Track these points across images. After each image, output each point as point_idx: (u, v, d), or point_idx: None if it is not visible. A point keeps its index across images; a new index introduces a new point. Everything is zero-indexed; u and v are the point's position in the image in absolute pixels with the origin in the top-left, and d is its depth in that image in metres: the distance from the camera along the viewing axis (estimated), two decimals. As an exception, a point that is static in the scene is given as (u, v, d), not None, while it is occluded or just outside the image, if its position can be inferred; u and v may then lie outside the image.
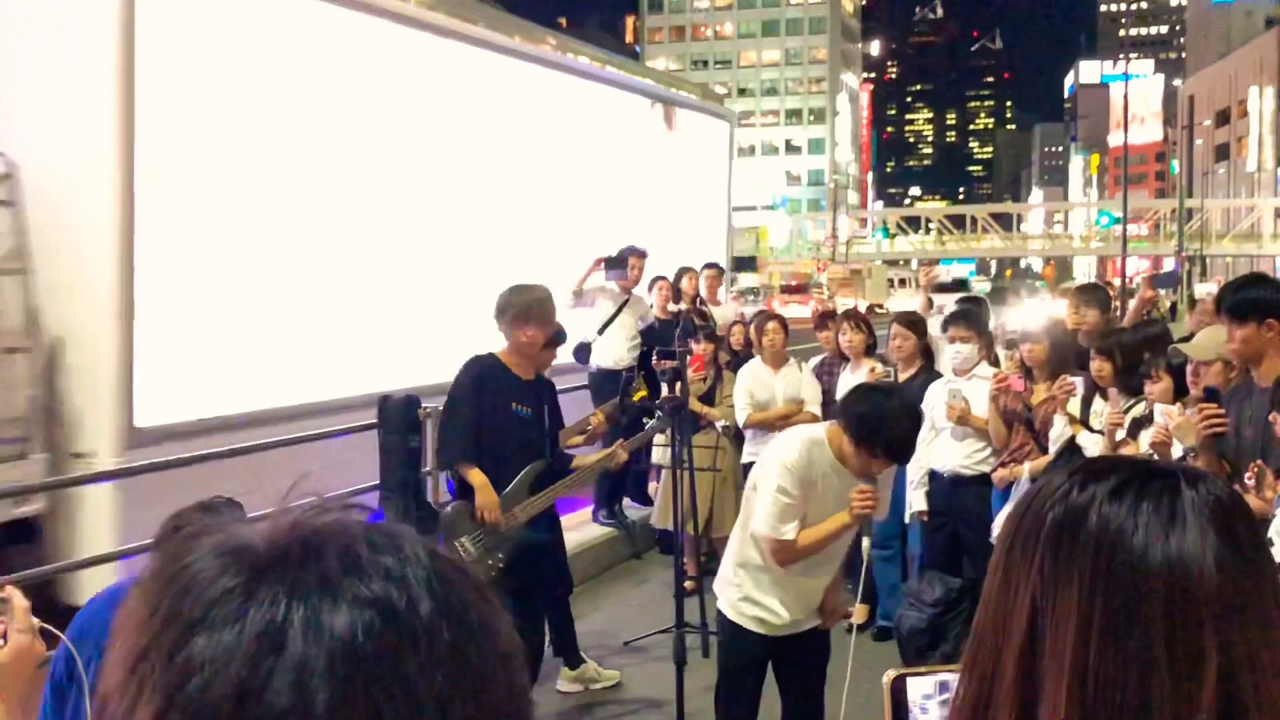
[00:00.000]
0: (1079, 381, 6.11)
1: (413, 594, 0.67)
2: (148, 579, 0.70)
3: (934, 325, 8.00)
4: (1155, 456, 4.88)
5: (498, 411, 5.44)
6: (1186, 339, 5.78)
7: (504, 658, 0.71)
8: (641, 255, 9.54)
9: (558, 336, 6.86)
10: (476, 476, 5.38)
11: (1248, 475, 4.04)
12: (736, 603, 4.56)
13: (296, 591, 0.65)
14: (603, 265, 9.38)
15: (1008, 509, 6.24)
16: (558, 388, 6.08)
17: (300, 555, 0.67)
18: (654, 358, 8.59)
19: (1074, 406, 6.10)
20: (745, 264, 60.81)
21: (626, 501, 9.65)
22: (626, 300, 9.37)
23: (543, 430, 5.58)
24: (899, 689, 1.53)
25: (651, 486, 9.45)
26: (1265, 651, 1.05)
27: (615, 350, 9.29)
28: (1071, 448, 6.04)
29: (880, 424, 4.16)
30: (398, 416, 7.18)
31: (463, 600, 0.70)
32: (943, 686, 1.50)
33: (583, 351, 9.44)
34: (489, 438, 5.43)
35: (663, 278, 10.13)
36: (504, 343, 5.69)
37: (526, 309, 5.56)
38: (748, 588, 4.53)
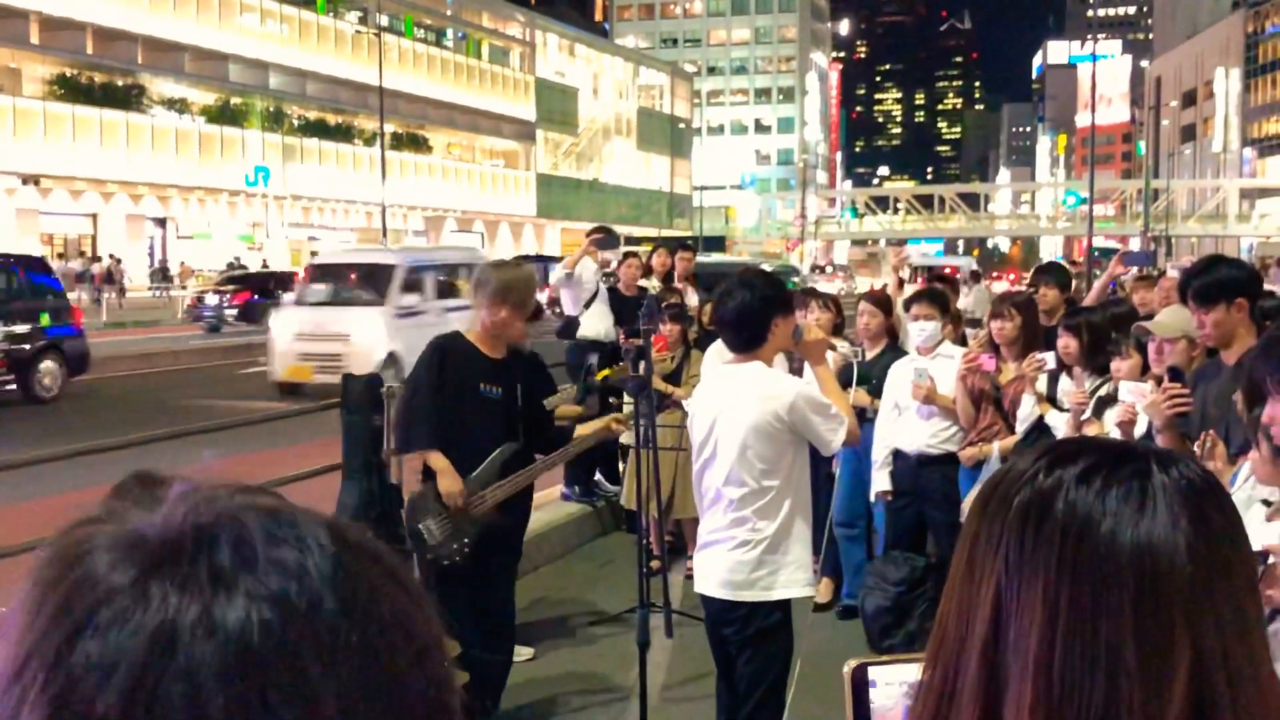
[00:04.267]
0: (1049, 357, 6.11)
1: (312, 589, 0.64)
2: (34, 577, 0.65)
3: (900, 304, 8.00)
4: (1120, 435, 4.88)
5: (464, 393, 5.28)
6: (1149, 316, 5.78)
7: (419, 650, 0.67)
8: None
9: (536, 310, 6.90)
10: (438, 461, 5.25)
11: (1197, 444, 4.04)
12: (797, 575, 4.43)
13: (188, 589, 0.62)
14: (593, 247, 9.69)
15: (976, 489, 6.24)
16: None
17: (193, 549, 0.63)
18: (621, 336, 8.69)
19: (1041, 385, 6.10)
20: (714, 244, 60.83)
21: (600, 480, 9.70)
22: (604, 275, 9.72)
23: (515, 410, 5.39)
24: (860, 678, 1.49)
25: (621, 466, 9.46)
26: (1239, 646, 1.00)
27: (602, 324, 9.63)
28: (1040, 426, 6.04)
29: (778, 282, 4.71)
30: (360, 396, 7.10)
31: (371, 591, 0.66)
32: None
33: (571, 326, 9.67)
34: (456, 421, 5.28)
35: (633, 253, 10.34)
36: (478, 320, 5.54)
37: (505, 288, 5.35)
38: (797, 552, 4.43)
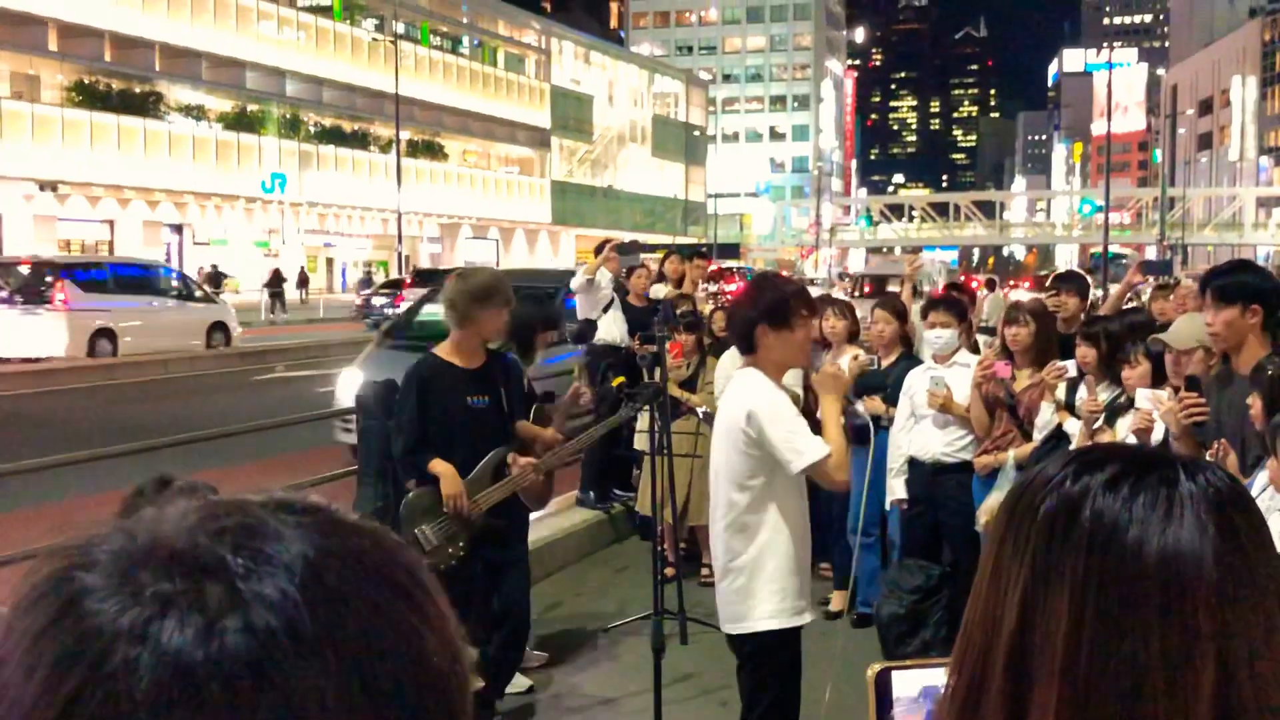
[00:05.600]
0: (1070, 365, 6.10)
1: (298, 622, 0.62)
2: (20, 627, 0.62)
3: (915, 312, 8.00)
4: (1136, 443, 4.88)
5: (449, 410, 5.34)
6: (1164, 327, 5.77)
7: (426, 666, 0.65)
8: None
9: (552, 317, 6.99)
10: (439, 466, 5.31)
11: (1210, 453, 4.04)
12: (784, 605, 4.24)
13: (184, 635, 0.60)
14: (614, 253, 9.76)
15: (991, 496, 6.23)
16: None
17: (184, 588, 0.61)
18: (635, 342, 8.72)
19: (1060, 393, 6.09)
20: (729, 251, 60.84)
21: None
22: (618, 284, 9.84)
23: (502, 414, 5.45)
24: (884, 682, 1.50)
25: (635, 473, 9.48)
26: (1266, 654, 1.00)
27: (619, 328, 9.70)
28: (1058, 434, 6.03)
29: (776, 294, 4.25)
30: (376, 402, 7.11)
31: (366, 615, 0.64)
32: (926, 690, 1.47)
33: (587, 332, 9.76)
34: (448, 438, 5.34)
35: (643, 264, 10.45)
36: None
37: (489, 291, 5.38)
38: (779, 581, 4.23)
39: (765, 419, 4.14)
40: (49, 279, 22.30)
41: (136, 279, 24.43)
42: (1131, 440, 4.97)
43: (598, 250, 10.13)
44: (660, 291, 10.36)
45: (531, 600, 6.52)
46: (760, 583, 4.23)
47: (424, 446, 5.35)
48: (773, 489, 4.20)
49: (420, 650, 0.65)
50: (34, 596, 0.63)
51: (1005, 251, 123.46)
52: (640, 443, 8.06)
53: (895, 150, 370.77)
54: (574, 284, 10.01)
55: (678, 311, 8.95)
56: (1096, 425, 5.47)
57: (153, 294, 24.20)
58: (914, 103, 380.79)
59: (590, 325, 9.80)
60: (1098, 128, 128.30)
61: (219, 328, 25.20)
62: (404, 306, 24.63)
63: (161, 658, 0.59)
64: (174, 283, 25.64)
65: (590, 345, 9.76)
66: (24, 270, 23.20)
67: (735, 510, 4.24)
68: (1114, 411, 5.48)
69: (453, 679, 0.67)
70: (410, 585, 0.67)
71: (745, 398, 4.23)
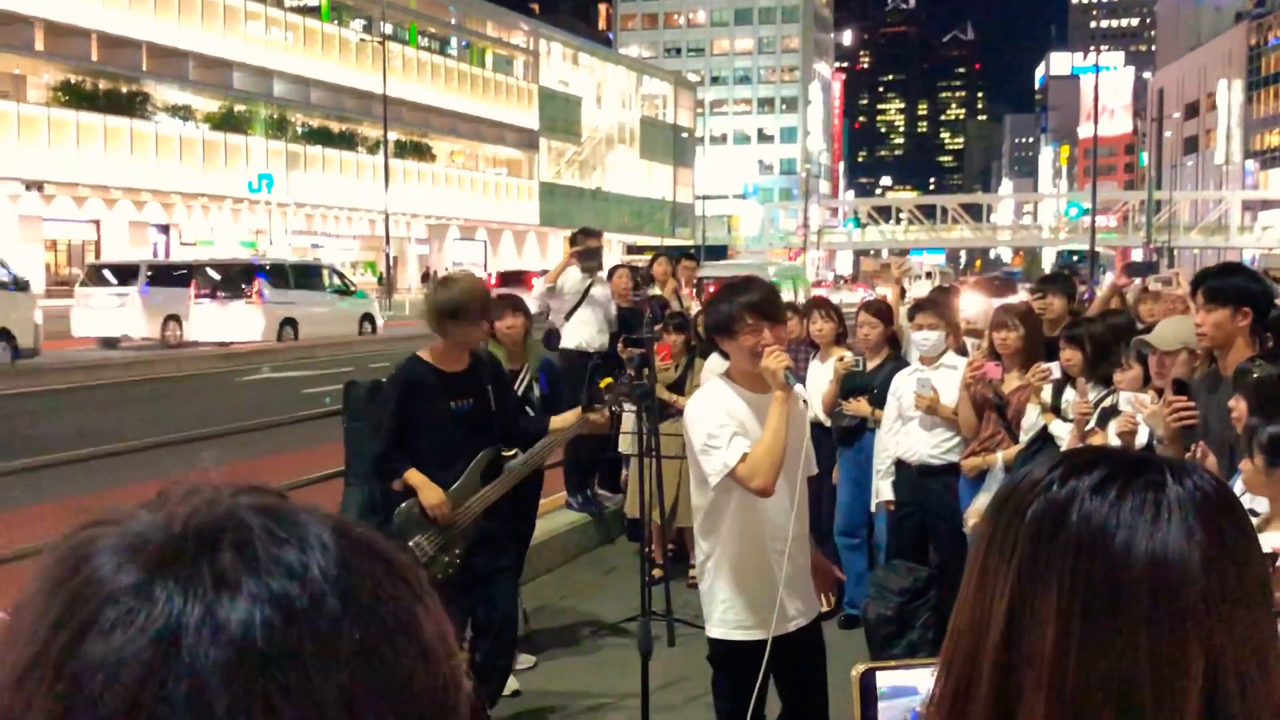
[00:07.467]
0: (1054, 367, 6.11)
1: (314, 590, 0.64)
2: (39, 579, 0.65)
3: (903, 314, 8.01)
4: (1121, 445, 4.89)
5: (434, 416, 5.29)
6: (1148, 329, 5.78)
7: (424, 650, 0.67)
8: (599, 235, 10.04)
9: (521, 305, 6.96)
10: (414, 477, 5.24)
11: (1188, 454, 4.05)
12: (728, 615, 4.15)
13: (191, 591, 0.62)
14: (575, 259, 9.57)
15: (979, 498, 6.23)
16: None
17: (196, 550, 0.64)
18: (620, 344, 8.68)
19: (1046, 395, 6.10)
20: (717, 252, 60.87)
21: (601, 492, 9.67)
22: (591, 283, 9.52)
23: (488, 416, 5.40)
24: (868, 682, 1.50)
25: (623, 475, 9.45)
26: (1252, 656, 1.00)
27: (584, 332, 9.41)
28: (1044, 436, 6.04)
29: (726, 305, 4.13)
30: (362, 402, 7.10)
31: (375, 591, 0.66)
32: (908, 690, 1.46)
33: (552, 337, 9.64)
34: (434, 444, 5.29)
35: (622, 265, 10.38)
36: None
37: (458, 307, 5.30)
38: (734, 589, 4.14)
39: (690, 427, 4.11)
40: (245, 279, 27.12)
41: (309, 276, 29.42)
42: (1117, 443, 4.98)
43: (572, 241, 9.96)
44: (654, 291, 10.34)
45: (517, 602, 6.50)
46: (717, 588, 4.19)
47: (398, 454, 5.28)
48: (728, 494, 4.10)
49: (420, 635, 0.67)
50: (55, 556, 0.66)
51: (992, 254, 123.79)
52: (628, 445, 8.05)
53: (883, 153, 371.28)
54: (535, 292, 9.92)
55: (665, 313, 8.94)
56: (1088, 427, 5.48)
57: (321, 289, 29.05)
58: (901, 105, 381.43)
59: (554, 332, 9.70)
60: (1084, 131, 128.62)
61: (367, 318, 30.14)
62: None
63: (159, 614, 0.61)
64: (334, 279, 30.45)
65: (561, 350, 9.64)
66: (214, 273, 27.64)
67: (701, 513, 4.24)
68: (1106, 414, 5.48)
69: (448, 671, 0.69)
70: (411, 577, 0.70)
71: (690, 403, 4.31)
